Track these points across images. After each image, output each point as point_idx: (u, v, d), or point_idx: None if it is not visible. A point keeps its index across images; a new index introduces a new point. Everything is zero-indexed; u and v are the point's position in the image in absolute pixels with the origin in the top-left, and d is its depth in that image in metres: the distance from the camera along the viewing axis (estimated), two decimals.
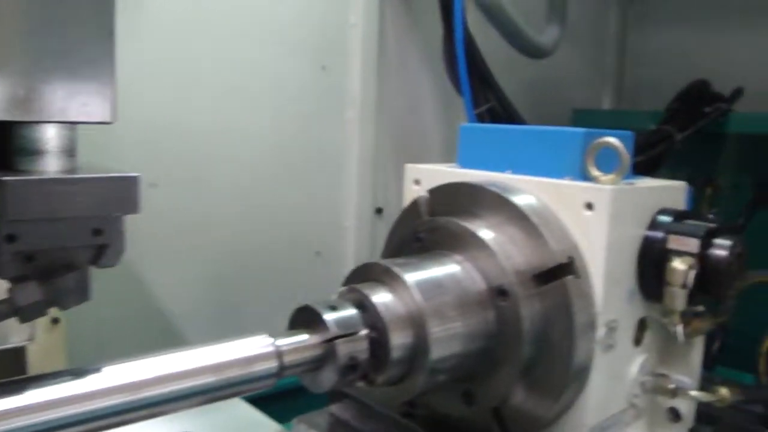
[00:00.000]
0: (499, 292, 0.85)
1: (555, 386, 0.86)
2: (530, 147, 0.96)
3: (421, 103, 1.79)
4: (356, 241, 1.71)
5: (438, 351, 0.81)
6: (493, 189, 0.91)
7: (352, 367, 0.77)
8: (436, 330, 0.80)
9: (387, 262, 0.85)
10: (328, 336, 0.76)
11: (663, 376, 0.97)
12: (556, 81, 2.07)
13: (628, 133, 1.00)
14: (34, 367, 1.09)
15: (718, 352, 1.68)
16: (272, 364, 0.73)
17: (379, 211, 1.74)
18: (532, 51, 1.49)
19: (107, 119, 0.70)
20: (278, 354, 0.73)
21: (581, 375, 0.88)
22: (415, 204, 1.00)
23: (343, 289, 0.84)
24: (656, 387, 0.96)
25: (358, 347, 0.78)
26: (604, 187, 0.86)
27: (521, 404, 0.88)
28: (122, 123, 1.28)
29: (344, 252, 1.71)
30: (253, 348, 0.73)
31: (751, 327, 1.22)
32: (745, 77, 1.86)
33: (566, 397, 0.88)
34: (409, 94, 1.76)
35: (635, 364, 0.94)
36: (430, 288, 0.83)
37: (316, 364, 0.77)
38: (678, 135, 1.58)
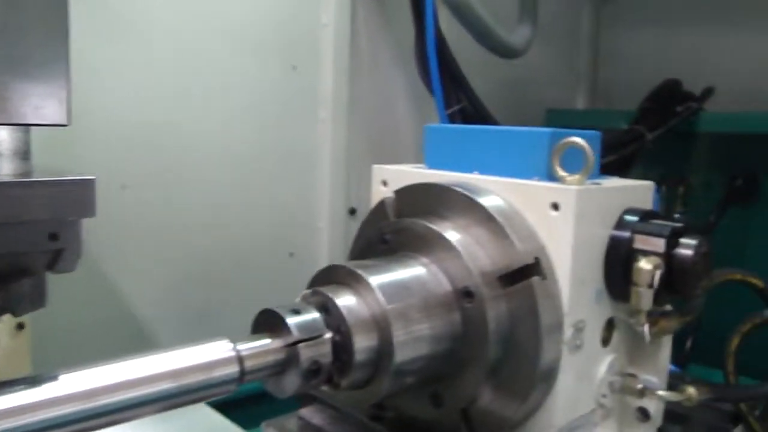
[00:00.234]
0: (465, 294, 0.85)
1: (522, 387, 0.86)
2: (497, 147, 0.96)
3: (394, 102, 1.78)
4: (330, 241, 1.70)
5: (402, 354, 0.80)
6: (459, 190, 0.91)
7: (315, 371, 0.76)
8: (400, 333, 0.80)
9: (351, 265, 0.84)
10: (290, 340, 0.75)
11: (631, 376, 0.97)
12: (529, 81, 2.08)
13: (596, 132, 1.00)
14: None
15: (691, 350, 1.69)
16: (233, 369, 0.72)
17: (352, 211, 1.73)
18: (503, 51, 1.49)
19: (62, 122, 0.69)
20: (239, 359, 0.72)
21: (548, 376, 0.87)
22: (381, 205, 1.00)
23: (308, 292, 0.83)
24: (624, 387, 0.96)
25: (322, 351, 0.77)
26: (569, 188, 0.86)
27: (489, 405, 0.88)
28: (91, 124, 1.28)
29: (318, 253, 1.70)
30: (214, 353, 0.72)
31: (725, 324, 1.22)
32: (717, 76, 1.88)
33: (534, 398, 0.87)
34: (381, 94, 1.75)
35: (603, 364, 0.94)
36: (395, 290, 0.82)
37: (279, 368, 0.76)
38: (649, 134, 1.58)
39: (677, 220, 0.92)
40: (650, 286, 0.87)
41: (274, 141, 1.59)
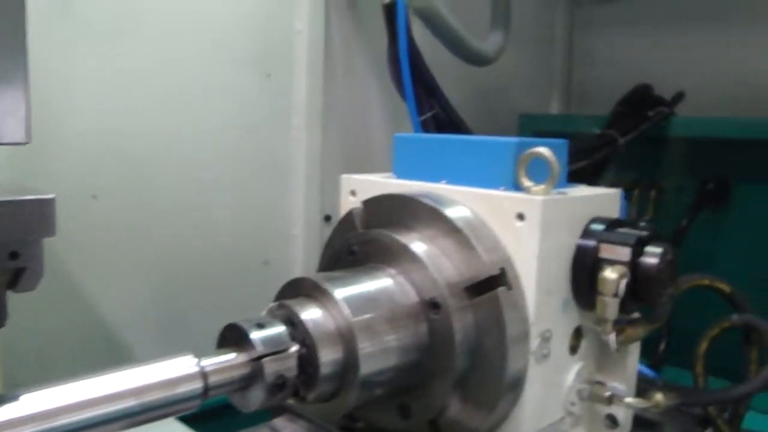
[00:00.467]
0: (431, 305, 0.85)
1: (489, 397, 0.86)
2: (464, 157, 0.96)
3: (369, 109, 1.78)
4: (305, 249, 1.70)
5: (368, 366, 0.80)
6: (426, 201, 0.91)
7: (280, 385, 0.76)
8: (365, 345, 0.80)
9: (317, 277, 0.84)
10: (255, 354, 0.75)
11: (599, 383, 0.98)
12: (504, 86, 2.08)
13: (563, 141, 1.01)
14: None
15: (664, 353, 1.70)
16: (197, 385, 0.71)
17: (327, 218, 1.73)
18: (473, 59, 1.49)
19: (21, 140, 0.68)
20: (203, 374, 0.72)
21: (516, 385, 0.88)
22: (349, 215, 1.00)
23: (274, 305, 0.83)
24: (592, 395, 0.96)
25: (286, 365, 0.76)
26: (534, 198, 0.86)
27: (457, 416, 0.88)
28: (61, 133, 1.27)
29: (293, 260, 1.70)
30: (177, 369, 0.71)
31: (699, 326, 1.23)
32: (690, 81, 1.89)
33: (501, 408, 0.88)
34: (356, 101, 1.75)
35: (571, 372, 0.95)
36: (360, 303, 0.82)
37: (244, 383, 0.75)
38: (621, 139, 1.59)
39: (643, 228, 0.93)
40: (615, 295, 0.88)
41: (247, 148, 1.58)
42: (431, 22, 1.34)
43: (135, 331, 1.42)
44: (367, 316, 0.82)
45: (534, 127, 1.92)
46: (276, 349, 0.76)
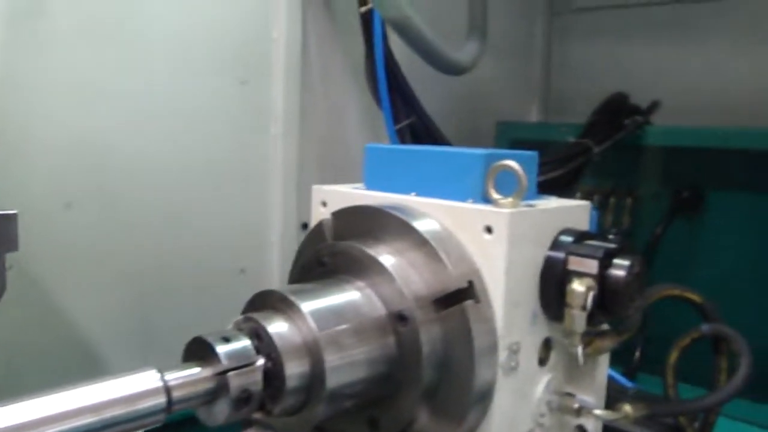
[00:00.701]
0: (399, 318, 0.85)
1: (457, 410, 0.86)
2: (434, 169, 0.96)
3: (346, 117, 1.78)
4: (281, 257, 1.69)
5: (335, 379, 0.80)
6: (395, 213, 0.91)
7: (245, 399, 0.76)
8: (332, 358, 0.80)
9: (284, 290, 0.84)
10: (220, 369, 0.75)
11: (568, 395, 0.98)
12: (483, 94, 2.09)
13: (533, 153, 1.01)
14: None
15: (640, 361, 1.72)
16: (160, 400, 0.71)
17: (305, 226, 1.72)
18: (448, 68, 1.49)
19: None
20: (166, 389, 0.72)
21: (484, 398, 0.88)
22: (319, 226, 1.00)
23: (240, 318, 0.83)
24: (562, 406, 0.96)
25: (252, 379, 0.76)
26: (501, 211, 0.86)
27: (426, 428, 0.88)
28: (32, 141, 1.26)
29: (269, 268, 1.69)
30: (139, 384, 0.71)
31: (674, 334, 1.23)
32: (667, 90, 1.91)
33: (470, 420, 0.87)
34: (333, 109, 1.75)
35: (541, 384, 0.95)
36: (327, 316, 0.82)
37: (208, 397, 0.75)
38: (596, 148, 1.60)
39: (612, 241, 0.93)
40: (583, 308, 0.88)
41: (224, 156, 1.57)
42: (404, 32, 1.34)
43: (109, 342, 1.41)
44: (334, 329, 0.81)
45: (511, 135, 1.92)
46: (241, 363, 0.76)
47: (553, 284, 0.91)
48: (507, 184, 0.89)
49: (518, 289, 0.89)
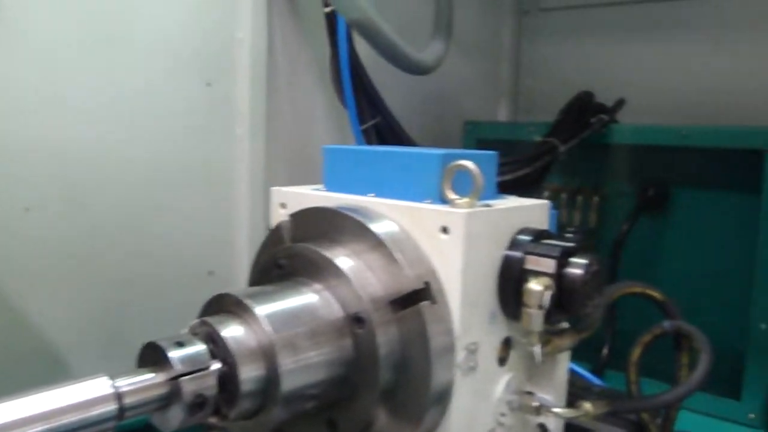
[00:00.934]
0: (356, 320, 0.85)
1: (415, 410, 0.86)
2: (392, 170, 0.96)
3: (313, 117, 1.77)
4: (250, 258, 1.65)
5: (290, 382, 0.80)
6: (351, 215, 0.91)
7: (199, 404, 0.75)
8: (287, 362, 0.79)
9: (240, 293, 0.84)
10: (173, 374, 0.74)
11: (528, 393, 0.98)
12: (452, 94, 2.09)
13: (492, 153, 1.01)
14: None
15: (608, 357, 1.73)
16: (111, 407, 0.70)
17: None
18: (411, 68, 1.49)
19: None
20: (117, 396, 0.71)
21: (442, 398, 0.88)
22: (278, 229, 0.99)
23: (196, 322, 0.82)
24: (522, 405, 0.97)
25: (206, 383, 0.76)
26: (457, 211, 0.86)
27: (384, 429, 0.88)
28: None
29: (238, 270, 1.68)
30: (90, 391, 0.70)
31: (643, 330, 1.24)
32: (634, 89, 1.93)
33: (428, 421, 0.88)
34: (300, 109, 1.74)
35: (500, 383, 0.95)
36: (283, 319, 0.82)
37: (162, 403, 0.74)
38: (562, 147, 1.61)
39: (569, 239, 0.94)
40: (540, 307, 0.88)
41: (189, 158, 1.56)
42: (366, 34, 1.34)
43: (76, 348, 1.39)
44: (290, 332, 0.81)
45: (479, 134, 1.93)
46: (195, 367, 0.76)
47: (511, 284, 0.91)
48: (465, 184, 0.89)
49: (475, 289, 0.89)
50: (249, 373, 0.78)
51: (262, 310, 0.81)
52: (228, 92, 1.62)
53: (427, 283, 0.85)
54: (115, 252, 1.45)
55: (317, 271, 0.89)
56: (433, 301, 0.85)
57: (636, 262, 1.76)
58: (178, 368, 0.74)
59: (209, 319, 0.81)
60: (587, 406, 0.97)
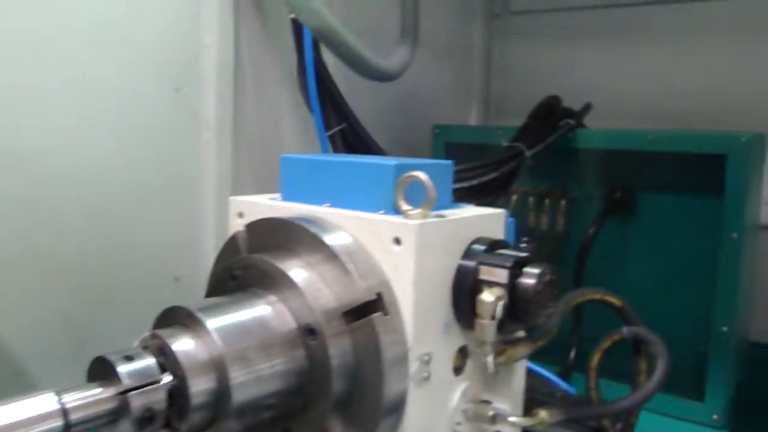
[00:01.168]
0: (308, 332, 0.85)
1: (369, 421, 0.86)
2: (347, 180, 0.96)
3: (280, 123, 1.77)
4: None
5: (241, 395, 0.80)
6: (305, 225, 0.91)
7: (149, 418, 0.75)
8: (237, 374, 0.79)
9: (192, 306, 0.84)
10: (121, 388, 0.74)
11: (484, 402, 0.99)
12: (423, 98, 2.10)
13: (447, 162, 1.02)
14: None
15: (575, 360, 1.74)
16: (56, 423, 0.70)
17: None
18: (375, 75, 1.49)
19: None
20: (63, 411, 0.71)
21: (396, 408, 0.88)
22: (234, 239, 0.99)
23: (147, 335, 0.82)
24: (477, 414, 0.97)
25: (155, 397, 0.76)
26: (409, 222, 0.87)
27: None
28: None
29: (204, 276, 1.64)
30: (35, 407, 0.70)
31: (609, 332, 1.25)
32: (604, 93, 1.95)
33: (383, 430, 0.88)
34: (267, 115, 1.74)
35: (456, 392, 0.96)
36: (234, 331, 0.82)
37: (109, 418, 0.74)
38: (528, 152, 1.62)
39: (523, 249, 0.94)
40: (493, 317, 0.89)
41: (156, 163, 1.56)
42: (327, 41, 1.34)
43: (40, 357, 1.38)
44: (241, 344, 0.81)
45: (447, 138, 1.93)
46: (144, 381, 0.76)
47: (464, 294, 0.92)
48: (419, 194, 0.90)
49: (428, 300, 0.89)
50: (199, 386, 0.78)
51: (214, 323, 0.81)
52: (195, 98, 1.62)
53: (379, 295, 0.86)
54: (78, 257, 1.44)
55: (271, 282, 0.89)
56: (385, 313, 0.86)
57: (603, 264, 1.77)
58: (127, 382, 0.74)
59: (160, 332, 0.81)
60: (543, 414, 0.98)
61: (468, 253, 0.93)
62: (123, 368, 0.75)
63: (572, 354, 1.73)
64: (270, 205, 1.02)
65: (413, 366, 0.88)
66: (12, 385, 1.34)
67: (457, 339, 0.95)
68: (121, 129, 1.48)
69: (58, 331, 1.43)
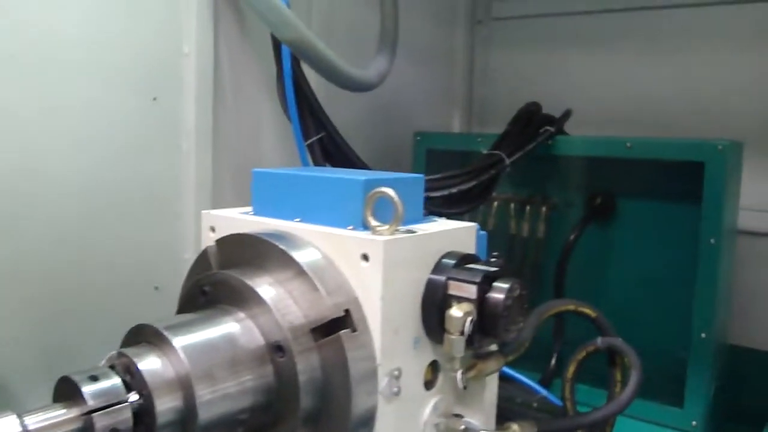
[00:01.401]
0: (276, 349, 0.85)
1: None
2: (318, 195, 0.96)
3: (260, 132, 1.77)
4: None
5: (208, 413, 0.80)
6: (275, 242, 0.91)
7: None
8: (204, 393, 0.79)
9: (159, 324, 0.83)
10: (85, 409, 0.74)
11: (456, 416, 0.99)
12: (404, 105, 2.09)
13: (419, 176, 1.02)
14: None
15: (556, 368, 1.74)
16: None
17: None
18: (350, 85, 1.49)
19: None
20: None
21: (365, 424, 0.88)
22: (204, 254, 0.99)
23: (113, 353, 0.82)
24: (448, 429, 0.97)
25: (120, 418, 0.76)
26: (376, 238, 0.87)
27: None
28: None
29: None
30: None
31: (591, 339, 1.26)
32: (585, 100, 1.96)
33: None
34: (247, 125, 1.74)
35: (427, 407, 0.96)
36: (201, 349, 0.82)
37: None
38: (507, 159, 1.62)
39: (493, 264, 0.94)
40: (462, 333, 0.89)
41: (135, 173, 1.55)
42: (302, 53, 1.34)
43: (18, 373, 1.37)
44: (208, 362, 0.81)
45: (428, 145, 1.94)
46: (109, 402, 0.76)
47: (434, 309, 0.92)
48: (389, 209, 0.90)
49: (397, 315, 0.89)
50: (165, 405, 0.78)
51: (180, 341, 0.81)
52: (174, 107, 1.61)
53: (347, 311, 0.86)
54: (56, 269, 1.44)
55: (240, 299, 0.89)
56: (354, 329, 0.86)
57: (583, 270, 1.78)
58: (91, 403, 0.74)
59: (127, 351, 0.81)
60: (515, 427, 0.99)
61: (437, 268, 0.94)
62: (87, 388, 0.75)
63: (553, 361, 1.74)
64: (241, 219, 1.02)
65: (382, 381, 0.88)
66: None
67: (427, 354, 0.95)
68: (98, 139, 1.47)
69: (33, 347, 1.42)
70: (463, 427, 0.96)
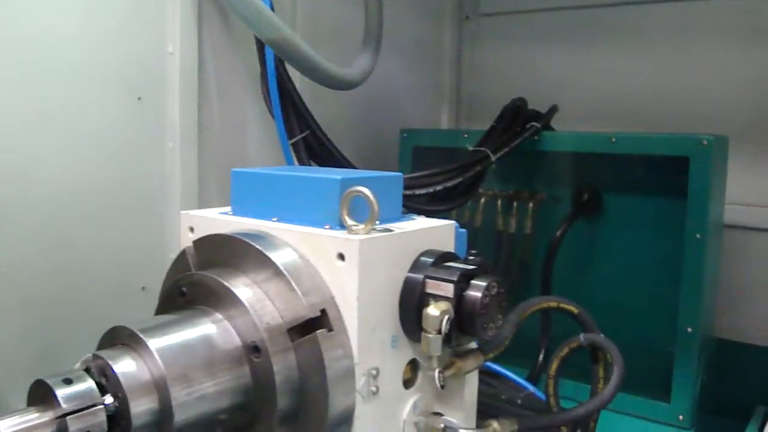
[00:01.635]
0: (253, 349, 0.85)
1: None
2: (295, 194, 0.96)
3: (245, 131, 1.76)
4: None
5: (183, 414, 0.80)
6: (251, 243, 0.91)
7: None
8: (180, 394, 0.79)
9: (134, 326, 0.83)
10: (59, 412, 0.74)
11: (436, 415, 0.99)
12: (391, 101, 2.09)
13: (397, 174, 1.02)
14: None
15: (543, 364, 1.75)
16: None
17: None
18: (333, 84, 1.49)
19: None
20: None
21: (343, 422, 0.88)
22: (183, 254, 0.99)
23: (89, 356, 0.82)
24: (428, 427, 0.97)
25: (94, 421, 0.75)
26: (352, 237, 0.87)
27: None
28: None
29: None
30: None
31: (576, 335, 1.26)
32: (575, 95, 1.96)
33: None
34: (231, 123, 1.73)
35: (407, 405, 0.96)
36: (177, 351, 0.82)
37: None
38: (492, 156, 1.62)
39: (471, 262, 0.94)
40: (439, 331, 0.89)
41: (119, 174, 1.54)
42: (283, 53, 1.33)
43: (9, 378, 1.37)
44: (183, 364, 0.81)
45: (415, 142, 1.93)
46: (83, 405, 0.76)
47: (411, 307, 0.92)
48: (363, 209, 0.89)
49: (374, 314, 0.89)
50: (141, 407, 0.78)
51: (156, 343, 0.81)
52: (159, 106, 1.61)
53: (323, 311, 0.86)
54: (43, 269, 1.43)
55: (217, 299, 0.89)
56: (330, 329, 0.86)
57: (571, 265, 1.78)
58: (65, 406, 0.74)
59: (102, 353, 0.81)
60: (495, 425, 0.98)
61: (415, 266, 0.93)
62: (61, 392, 0.75)
63: (540, 357, 1.74)
64: (219, 219, 1.01)
65: (360, 381, 0.88)
66: None
67: (406, 352, 0.95)
68: (82, 140, 1.46)
69: (20, 348, 1.41)
70: (442, 425, 0.96)
